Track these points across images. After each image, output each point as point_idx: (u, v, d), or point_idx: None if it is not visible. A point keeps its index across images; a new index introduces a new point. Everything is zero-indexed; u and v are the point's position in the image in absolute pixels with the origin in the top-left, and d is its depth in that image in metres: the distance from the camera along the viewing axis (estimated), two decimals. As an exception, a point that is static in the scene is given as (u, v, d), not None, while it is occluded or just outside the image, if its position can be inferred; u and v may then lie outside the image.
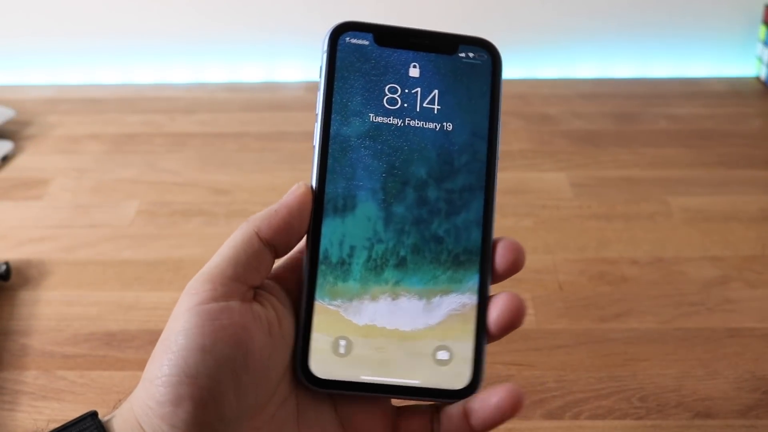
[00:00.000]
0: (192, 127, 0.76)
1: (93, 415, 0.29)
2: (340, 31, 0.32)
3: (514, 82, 0.84)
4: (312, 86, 0.84)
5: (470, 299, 0.31)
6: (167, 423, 0.26)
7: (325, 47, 0.31)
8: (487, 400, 0.29)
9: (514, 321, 0.30)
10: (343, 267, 0.30)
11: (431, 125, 0.32)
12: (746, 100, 0.79)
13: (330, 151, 0.30)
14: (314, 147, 0.31)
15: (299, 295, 0.30)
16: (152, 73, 0.87)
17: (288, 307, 0.30)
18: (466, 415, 0.29)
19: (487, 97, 0.32)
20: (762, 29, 0.82)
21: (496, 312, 0.30)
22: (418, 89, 0.32)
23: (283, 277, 0.31)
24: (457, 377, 0.30)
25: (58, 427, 0.28)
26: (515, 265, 0.31)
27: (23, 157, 0.71)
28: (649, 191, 0.63)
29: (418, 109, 0.31)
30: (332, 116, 0.31)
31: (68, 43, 0.86)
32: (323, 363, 0.29)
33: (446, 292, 0.31)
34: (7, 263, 0.53)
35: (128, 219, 0.61)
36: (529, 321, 0.49)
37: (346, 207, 0.30)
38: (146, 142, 0.73)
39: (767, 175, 0.65)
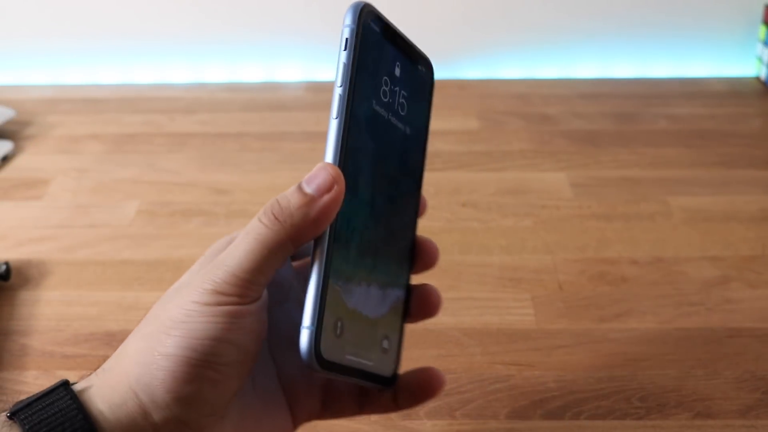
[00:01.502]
0: (192, 127, 0.76)
1: (65, 384, 0.28)
2: (364, 10, 0.30)
3: (514, 82, 0.84)
4: (312, 86, 0.84)
5: (401, 294, 0.33)
6: (174, 396, 0.27)
7: (352, 22, 0.30)
8: (410, 381, 0.32)
9: (430, 313, 0.34)
10: (347, 247, 0.30)
11: (400, 125, 0.33)
12: (746, 100, 0.79)
13: (350, 128, 0.30)
14: (334, 120, 0.29)
15: (308, 269, 0.29)
16: (152, 73, 0.87)
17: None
18: (393, 394, 0.32)
19: (427, 111, 0.35)
20: (762, 29, 0.82)
21: (419, 303, 0.34)
22: (397, 88, 0.33)
23: None
24: (389, 366, 0.32)
25: (26, 399, 0.28)
26: (433, 263, 0.34)
27: (23, 157, 0.71)
28: (649, 191, 0.63)
29: (395, 107, 0.32)
30: (354, 93, 0.30)
31: (68, 43, 0.86)
32: (327, 343, 0.28)
33: (392, 285, 0.32)
34: (7, 263, 0.53)
35: (128, 219, 0.61)
36: (529, 321, 0.49)
37: (354, 188, 0.30)
38: (146, 142, 0.73)
39: (767, 175, 0.65)
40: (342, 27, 0.30)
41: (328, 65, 0.86)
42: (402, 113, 0.33)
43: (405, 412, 0.42)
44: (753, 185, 0.63)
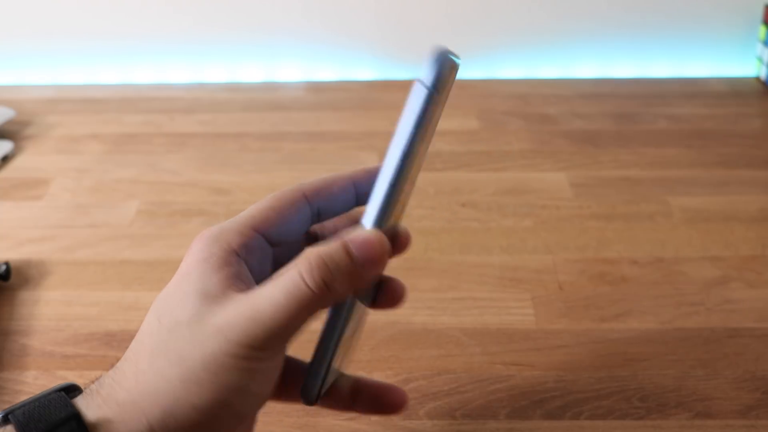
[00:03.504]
0: (192, 127, 0.76)
1: (76, 416, 0.27)
2: (450, 67, 0.28)
3: (514, 82, 0.84)
4: (312, 86, 0.84)
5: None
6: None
7: (434, 83, 0.28)
8: (372, 390, 0.32)
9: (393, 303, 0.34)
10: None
11: None
12: (746, 100, 0.79)
13: (401, 190, 0.29)
14: (389, 185, 0.29)
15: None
16: (152, 73, 0.87)
17: None
18: (352, 393, 0.32)
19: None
20: (762, 29, 0.82)
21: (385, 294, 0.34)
22: None
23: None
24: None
25: (29, 416, 0.27)
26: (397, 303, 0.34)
27: (23, 157, 0.71)
28: (649, 191, 0.63)
29: None
30: (415, 158, 0.29)
31: (68, 43, 0.86)
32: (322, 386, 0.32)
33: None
34: (7, 263, 0.53)
35: (128, 219, 0.61)
36: (529, 321, 0.49)
37: None
38: (146, 142, 0.73)
39: (767, 175, 0.65)
40: (421, 82, 0.28)
41: (328, 65, 0.86)
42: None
43: (405, 412, 0.42)
44: (753, 185, 0.63)
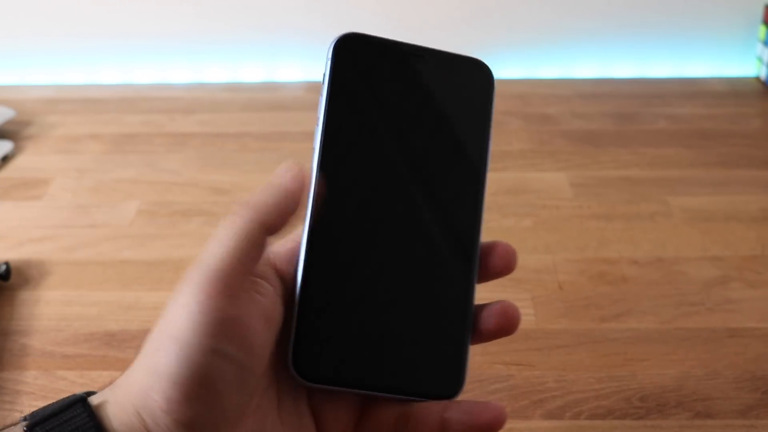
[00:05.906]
0: (192, 127, 0.76)
1: (82, 400, 0.27)
2: (344, 41, 0.33)
3: (514, 82, 0.84)
4: (312, 86, 0.84)
5: (452, 302, 0.35)
6: (173, 419, 0.26)
7: (330, 57, 0.32)
8: (470, 415, 0.30)
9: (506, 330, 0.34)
10: (339, 258, 0.31)
11: (425, 135, 0.34)
12: (746, 100, 0.79)
13: (331, 146, 0.32)
14: (314, 145, 0.31)
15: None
16: (152, 73, 0.87)
17: (279, 293, 0.30)
18: (442, 424, 0.30)
19: (471, 112, 0.36)
20: (762, 29, 0.82)
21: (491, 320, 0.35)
22: (413, 104, 0.35)
23: (277, 262, 0.31)
24: (429, 380, 0.32)
25: (42, 416, 0.27)
26: (505, 269, 0.36)
27: (23, 157, 0.71)
28: (649, 191, 0.63)
29: (412, 120, 0.35)
30: (334, 121, 0.31)
31: (68, 43, 0.86)
32: (311, 355, 0.30)
33: (434, 296, 0.35)
34: (7, 263, 0.53)
35: (128, 219, 0.61)
36: (529, 321, 0.49)
37: (344, 195, 0.32)
38: (146, 142, 0.73)
39: (767, 175, 0.65)
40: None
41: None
42: (429, 123, 0.33)
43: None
44: (753, 185, 0.63)
